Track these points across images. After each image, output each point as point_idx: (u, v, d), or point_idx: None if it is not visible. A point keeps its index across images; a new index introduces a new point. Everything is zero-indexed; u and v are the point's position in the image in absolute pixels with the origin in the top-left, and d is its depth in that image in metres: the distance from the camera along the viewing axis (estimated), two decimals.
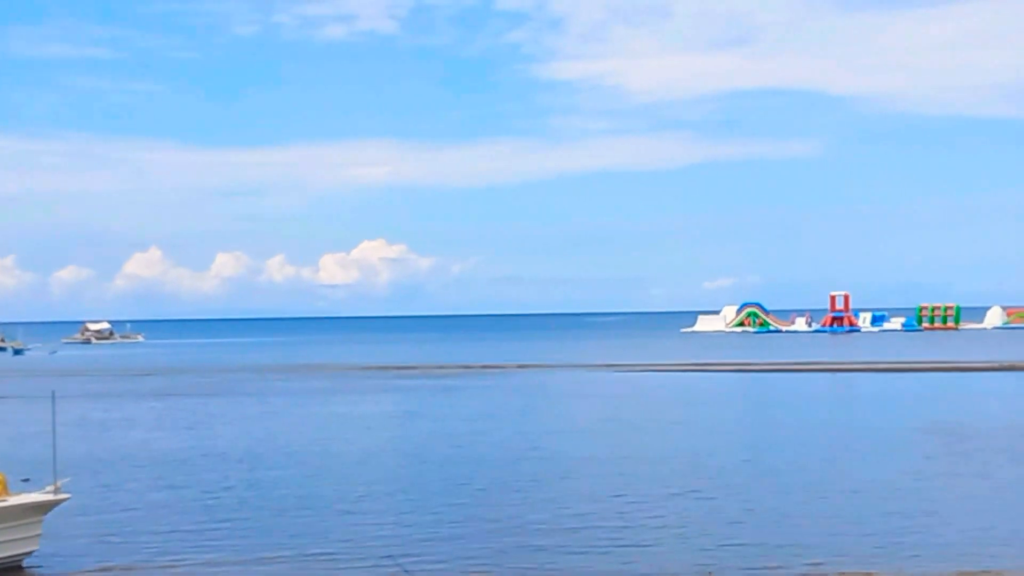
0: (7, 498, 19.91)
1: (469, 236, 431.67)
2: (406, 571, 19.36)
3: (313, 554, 20.75)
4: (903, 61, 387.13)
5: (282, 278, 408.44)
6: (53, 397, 23.00)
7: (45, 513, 20.43)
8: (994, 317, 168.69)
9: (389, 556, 20.38)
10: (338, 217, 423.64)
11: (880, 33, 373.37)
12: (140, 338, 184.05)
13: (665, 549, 21.01)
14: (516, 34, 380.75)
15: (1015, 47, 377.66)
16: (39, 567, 20.11)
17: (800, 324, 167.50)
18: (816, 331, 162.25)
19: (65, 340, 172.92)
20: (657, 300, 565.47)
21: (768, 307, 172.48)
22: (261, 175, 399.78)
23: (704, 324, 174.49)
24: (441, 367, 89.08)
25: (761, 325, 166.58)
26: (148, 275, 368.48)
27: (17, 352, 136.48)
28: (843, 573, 18.99)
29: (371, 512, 24.97)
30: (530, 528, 22.92)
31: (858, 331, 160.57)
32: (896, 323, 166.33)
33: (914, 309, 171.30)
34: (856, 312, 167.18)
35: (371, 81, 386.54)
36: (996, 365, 77.02)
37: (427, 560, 20.22)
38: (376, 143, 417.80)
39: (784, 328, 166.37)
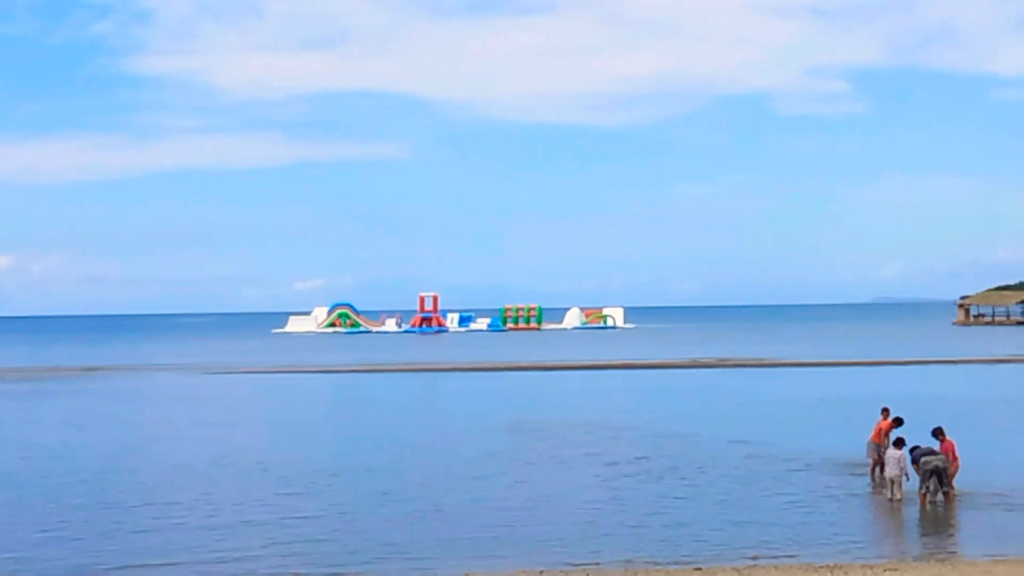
0: None
1: (51, 234, 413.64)
2: None
3: None
4: (490, 69, 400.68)
5: None
6: None
7: None
8: (573, 318, 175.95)
9: None
10: None
11: (469, 41, 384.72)
12: None
13: (258, 555, 20.75)
14: (101, 26, 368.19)
15: (597, 58, 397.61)
16: None
17: (390, 325, 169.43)
18: (406, 331, 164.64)
19: None
20: (249, 300, 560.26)
21: (359, 308, 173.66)
22: None
23: (295, 325, 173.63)
24: (24, 370, 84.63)
25: (352, 326, 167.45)
26: None
27: None
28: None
29: None
30: (125, 548, 22.02)
31: (446, 331, 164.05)
32: (482, 323, 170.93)
33: (499, 310, 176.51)
34: (444, 313, 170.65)
35: None
36: (574, 364, 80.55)
37: None
38: None
39: (374, 328, 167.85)
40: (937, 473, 24.87)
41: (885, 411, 28.26)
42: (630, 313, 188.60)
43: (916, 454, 25.17)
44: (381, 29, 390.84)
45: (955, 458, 25.37)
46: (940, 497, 24.85)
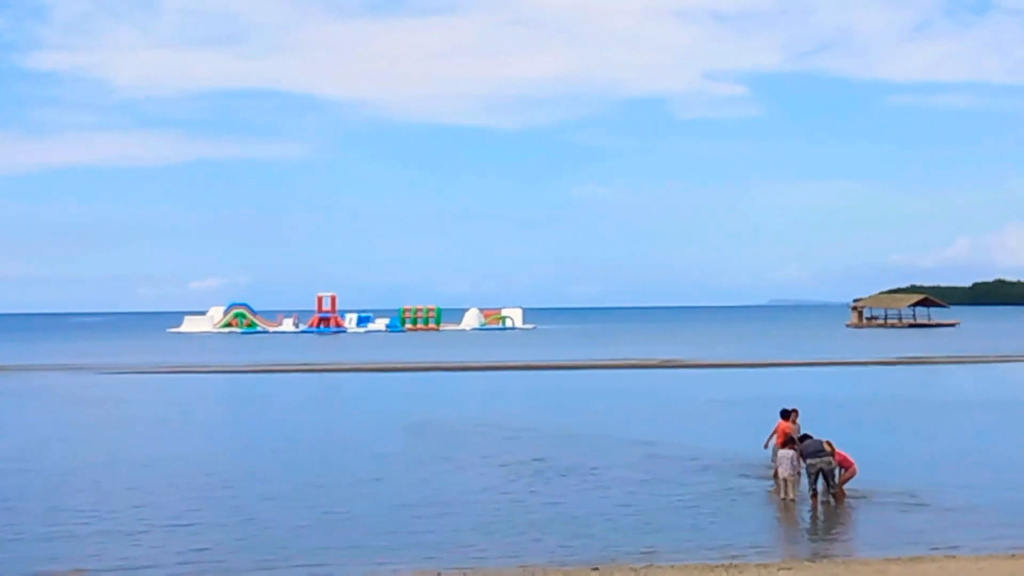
0: None
1: None
2: None
3: None
4: (391, 69, 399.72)
5: None
6: None
7: None
8: (471, 319, 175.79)
9: None
10: None
11: (370, 41, 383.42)
12: None
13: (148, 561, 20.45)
14: None
15: (497, 60, 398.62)
16: None
17: (288, 325, 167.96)
18: (303, 332, 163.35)
19: None
20: (144, 300, 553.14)
21: (257, 308, 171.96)
22: None
23: (191, 325, 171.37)
24: None
25: (248, 326, 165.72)
26: None
27: None
28: None
29: None
30: (28, 556, 21.53)
31: (344, 332, 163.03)
32: (380, 324, 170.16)
33: (397, 310, 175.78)
34: (342, 313, 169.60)
35: None
36: (473, 365, 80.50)
37: None
38: None
39: (272, 329, 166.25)
40: (823, 475, 25.24)
41: (785, 413, 27.94)
42: (529, 314, 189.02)
43: (805, 449, 25.41)
44: (281, 27, 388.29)
45: (850, 464, 25.73)
46: (831, 497, 25.24)
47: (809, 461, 25.22)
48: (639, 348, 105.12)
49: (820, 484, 25.26)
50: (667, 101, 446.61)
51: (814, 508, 24.75)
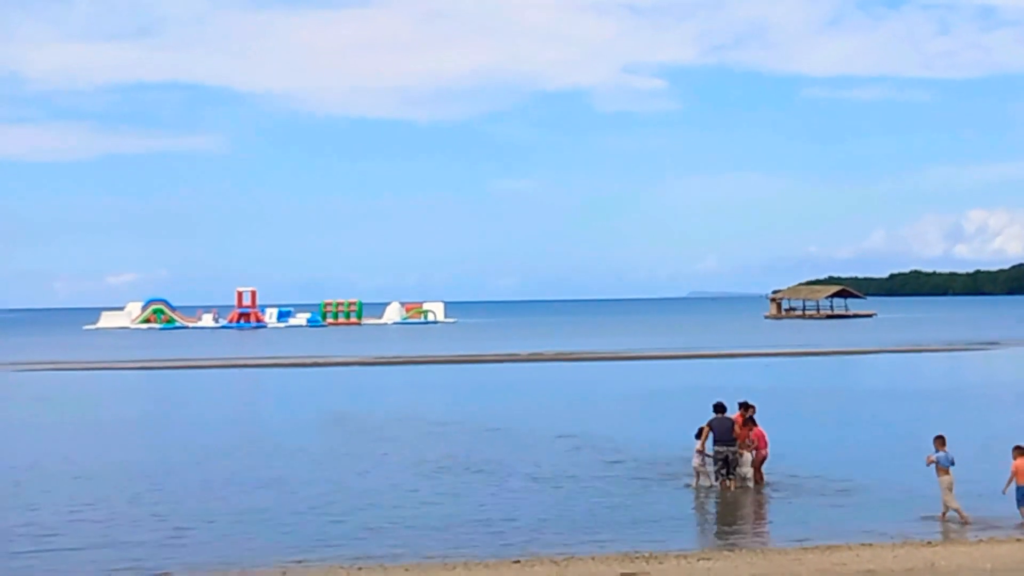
0: None
1: None
2: None
3: None
4: (308, 61, 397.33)
5: None
6: None
7: None
8: (393, 312, 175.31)
9: None
10: None
11: (286, 32, 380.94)
12: None
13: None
14: None
15: (415, 53, 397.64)
16: None
17: (207, 320, 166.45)
18: (223, 327, 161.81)
19: None
20: (59, 295, 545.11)
21: (175, 303, 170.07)
22: None
23: (108, 320, 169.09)
24: None
25: (167, 322, 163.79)
26: None
27: None
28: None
29: None
30: None
31: (265, 327, 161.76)
32: (301, 319, 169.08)
33: (318, 305, 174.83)
34: (263, 308, 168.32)
35: None
36: (394, 359, 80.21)
37: None
38: None
39: (191, 324, 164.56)
40: (727, 463, 25.34)
41: (742, 406, 26.32)
42: (450, 308, 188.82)
43: (714, 432, 25.38)
44: (194, 19, 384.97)
45: (764, 445, 25.86)
46: (750, 483, 25.42)
47: (716, 449, 25.34)
48: (560, 341, 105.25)
49: (732, 472, 25.35)
50: (586, 94, 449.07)
51: (730, 496, 24.85)
